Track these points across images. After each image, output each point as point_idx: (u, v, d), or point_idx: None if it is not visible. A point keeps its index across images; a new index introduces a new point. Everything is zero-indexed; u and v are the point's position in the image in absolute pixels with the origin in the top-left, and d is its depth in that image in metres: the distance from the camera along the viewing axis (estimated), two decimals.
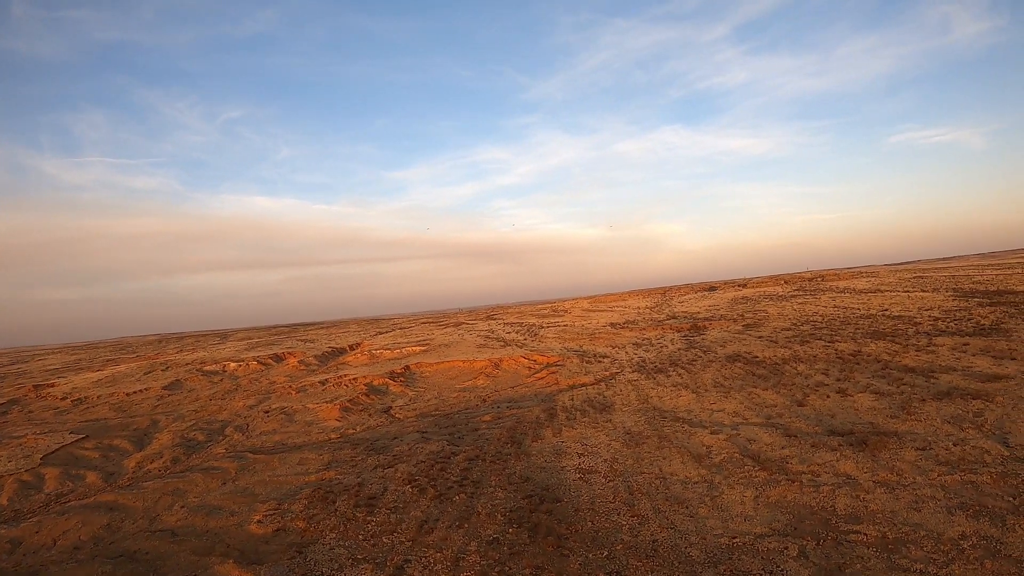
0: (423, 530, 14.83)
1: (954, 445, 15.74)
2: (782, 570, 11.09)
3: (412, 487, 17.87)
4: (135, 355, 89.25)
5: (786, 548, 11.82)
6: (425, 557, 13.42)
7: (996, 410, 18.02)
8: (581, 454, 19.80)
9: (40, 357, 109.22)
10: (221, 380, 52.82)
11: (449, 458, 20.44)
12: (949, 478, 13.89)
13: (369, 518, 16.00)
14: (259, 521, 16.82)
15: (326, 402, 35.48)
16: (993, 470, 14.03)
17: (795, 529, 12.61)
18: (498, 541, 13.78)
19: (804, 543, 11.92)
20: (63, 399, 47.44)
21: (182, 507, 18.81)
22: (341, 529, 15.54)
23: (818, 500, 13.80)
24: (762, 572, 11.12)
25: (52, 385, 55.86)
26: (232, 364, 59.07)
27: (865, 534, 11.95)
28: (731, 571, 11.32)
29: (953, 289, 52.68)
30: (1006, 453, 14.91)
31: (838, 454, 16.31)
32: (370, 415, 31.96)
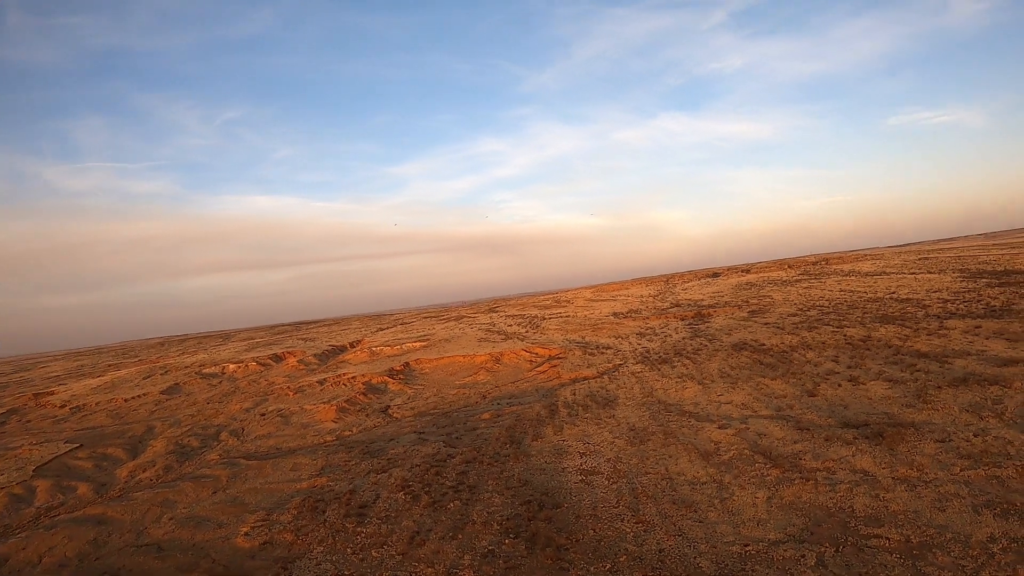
0: (414, 542, 14.01)
1: (975, 436, 14.86)
2: None
3: (405, 494, 17.06)
4: (137, 359, 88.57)
5: (803, 556, 10.96)
6: (415, 573, 12.61)
7: (1016, 396, 17.15)
8: (583, 453, 18.97)
9: (43, 364, 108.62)
10: (220, 382, 52.10)
11: (445, 461, 19.64)
12: (973, 473, 13.03)
13: (359, 529, 15.22)
14: (246, 534, 16.09)
15: (323, 403, 34.71)
16: (1019, 463, 13.16)
17: (812, 534, 11.74)
18: (493, 553, 12.96)
19: (822, 550, 11.06)
20: (61, 407, 46.71)
21: (170, 519, 18.09)
22: (329, 542, 14.76)
23: (835, 500, 12.94)
24: None
25: (52, 393, 55.10)
26: (231, 366, 58.30)
27: (887, 538, 11.09)
28: None
29: (960, 270, 51.77)
30: None
31: (854, 448, 15.44)
32: (367, 415, 31.22)
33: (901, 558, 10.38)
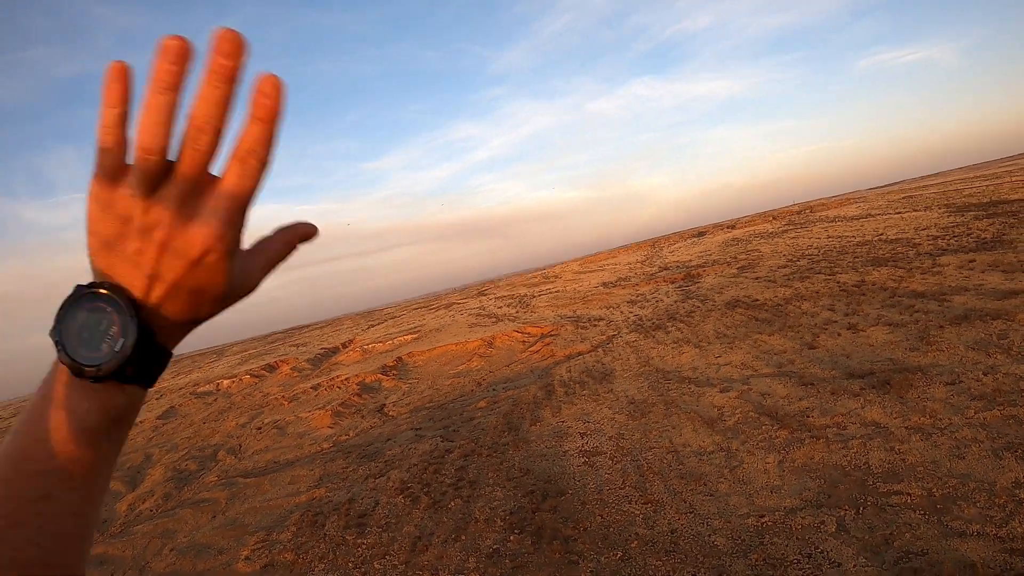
0: (416, 549, 13.43)
1: (984, 375, 14.32)
2: (822, 551, 9.65)
3: (404, 497, 16.48)
4: None
5: (822, 523, 10.37)
6: None
7: (1021, 329, 16.62)
8: (584, 434, 18.34)
9: None
10: (215, 400, 51.27)
11: (443, 457, 19.04)
12: (988, 414, 12.46)
13: (360, 540, 14.65)
14: (247, 558, 15.53)
15: (318, 409, 33.99)
16: None
17: (829, 497, 11.15)
18: (499, 553, 12.36)
19: (842, 513, 10.47)
20: None
21: (171, 550, 17.53)
22: (331, 558, 14.20)
23: (849, 458, 12.36)
24: (800, 557, 9.68)
25: None
26: (225, 381, 57.45)
27: (908, 494, 10.51)
28: (764, 559, 9.88)
29: (945, 205, 51.26)
30: None
31: (861, 399, 14.88)
32: (363, 416, 30.52)
33: (925, 514, 9.80)
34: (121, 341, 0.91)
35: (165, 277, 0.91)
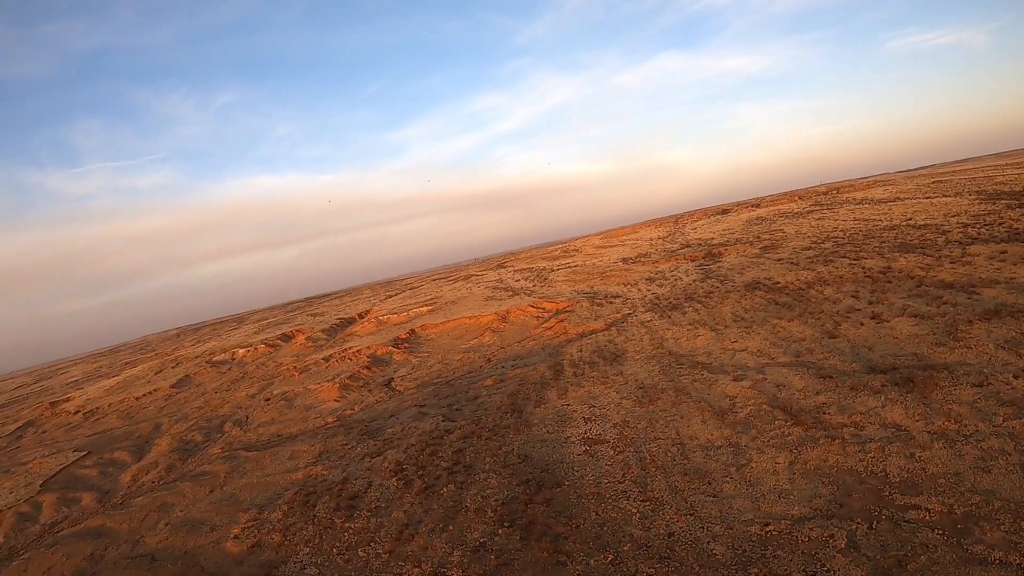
0: (403, 537, 12.84)
1: (1015, 378, 13.35)
2: (828, 570, 8.86)
3: (398, 479, 15.92)
4: (154, 353, 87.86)
5: (831, 536, 9.57)
6: (400, 574, 11.43)
7: None
8: (588, 419, 17.61)
9: (63, 370, 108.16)
10: (229, 369, 51.21)
11: (442, 438, 18.43)
12: (1017, 423, 11.52)
13: (347, 524, 14.14)
14: (236, 536, 15.20)
15: (327, 381, 33.58)
16: None
17: (841, 507, 10.33)
18: (485, 547, 11.72)
19: (853, 527, 9.66)
20: (75, 413, 45.52)
21: (166, 525, 17.25)
22: (316, 541, 13.74)
23: (865, 463, 11.50)
24: (803, 574, 8.92)
25: (67, 399, 53.75)
26: (241, 351, 57.29)
27: (927, 509, 9.66)
28: (765, 575, 9.13)
29: (976, 192, 49.79)
30: None
31: (883, 397, 13.98)
32: (370, 391, 30.04)
33: (944, 535, 8.98)
34: None
35: None
